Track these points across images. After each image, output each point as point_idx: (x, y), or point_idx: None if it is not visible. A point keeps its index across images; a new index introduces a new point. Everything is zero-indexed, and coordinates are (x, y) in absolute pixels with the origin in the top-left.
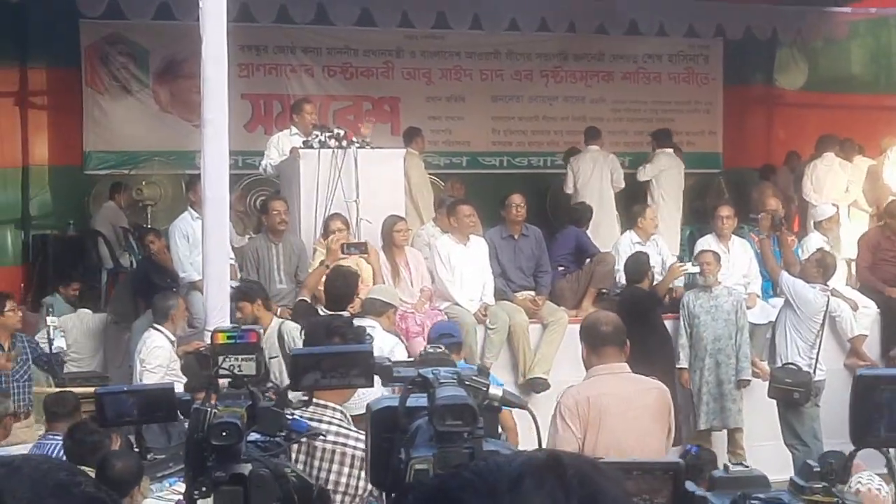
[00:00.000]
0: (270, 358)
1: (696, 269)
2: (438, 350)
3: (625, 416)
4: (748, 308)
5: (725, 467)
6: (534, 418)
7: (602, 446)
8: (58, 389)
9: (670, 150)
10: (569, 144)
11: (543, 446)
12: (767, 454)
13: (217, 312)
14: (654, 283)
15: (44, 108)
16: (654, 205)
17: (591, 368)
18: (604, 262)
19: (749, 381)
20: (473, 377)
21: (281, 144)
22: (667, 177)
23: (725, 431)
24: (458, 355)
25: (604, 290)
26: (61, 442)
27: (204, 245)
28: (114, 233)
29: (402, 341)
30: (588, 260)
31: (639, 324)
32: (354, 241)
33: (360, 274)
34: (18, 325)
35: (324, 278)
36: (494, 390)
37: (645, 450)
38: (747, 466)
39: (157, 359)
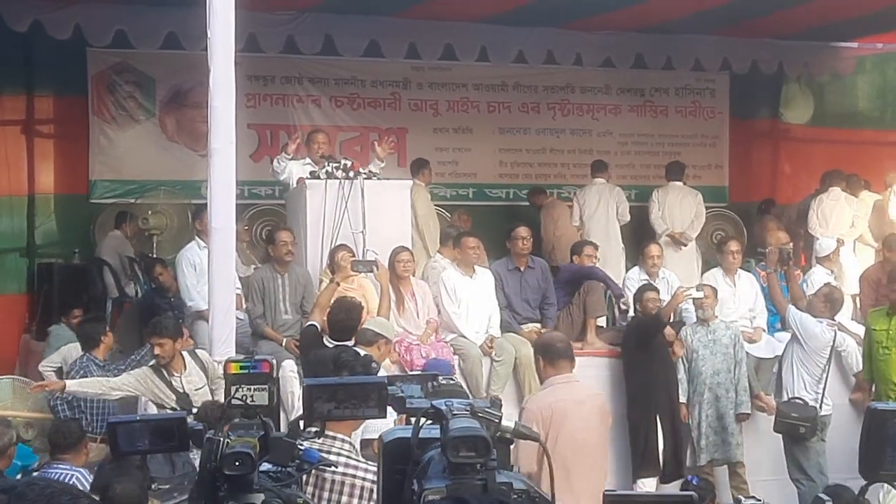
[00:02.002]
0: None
1: (700, 294)
2: (451, 382)
3: (579, 416)
4: (754, 342)
5: (738, 500)
6: (545, 450)
7: (562, 443)
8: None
9: (679, 183)
10: (575, 177)
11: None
12: (773, 489)
13: (223, 342)
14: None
15: (50, 137)
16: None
17: (547, 379)
18: (593, 291)
19: (748, 414)
20: (486, 409)
21: (293, 170)
22: (678, 209)
23: (727, 466)
24: None
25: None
26: (65, 471)
27: (210, 275)
28: (119, 262)
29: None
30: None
31: (643, 350)
32: (363, 259)
33: (364, 305)
34: None
35: (328, 311)
36: (507, 422)
37: (594, 442)
38: (759, 500)
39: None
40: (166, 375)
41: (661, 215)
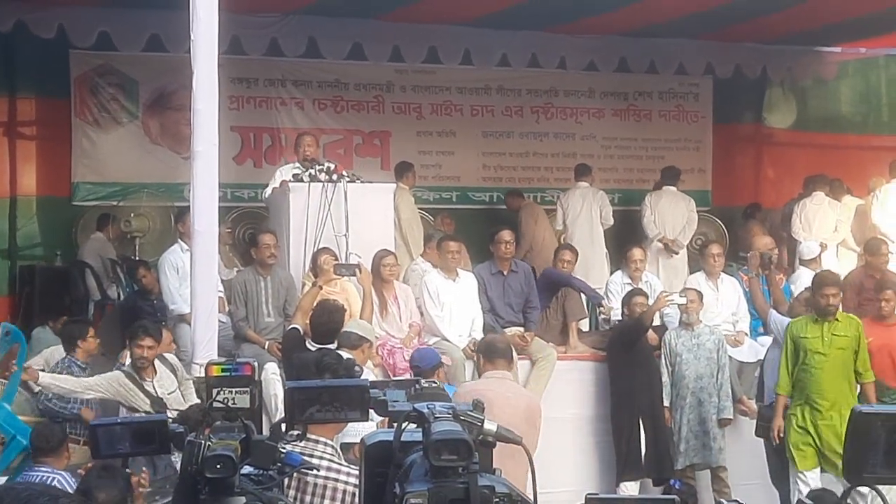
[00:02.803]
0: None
1: (683, 300)
2: (434, 385)
3: (505, 408)
4: (737, 346)
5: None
6: (528, 454)
7: None
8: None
9: (673, 188)
10: (559, 181)
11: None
12: (755, 493)
13: (205, 345)
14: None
15: (32, 139)
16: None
17: (484, 374)
18: (571, 295)
19: (731, 419)
20: (468, 412)
21: (283, 176)
22: (670, 215)
23: (709, 470)
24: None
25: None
26: (47, 474)
27: (192, 278)
28: (101, 264)
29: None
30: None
31: (625, 353)
32: (346, 263)
33: (346, 308)
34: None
35: (310, 314)
36: (489, 425)
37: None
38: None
39: None
40: (139, 379)
41: (653, 220)
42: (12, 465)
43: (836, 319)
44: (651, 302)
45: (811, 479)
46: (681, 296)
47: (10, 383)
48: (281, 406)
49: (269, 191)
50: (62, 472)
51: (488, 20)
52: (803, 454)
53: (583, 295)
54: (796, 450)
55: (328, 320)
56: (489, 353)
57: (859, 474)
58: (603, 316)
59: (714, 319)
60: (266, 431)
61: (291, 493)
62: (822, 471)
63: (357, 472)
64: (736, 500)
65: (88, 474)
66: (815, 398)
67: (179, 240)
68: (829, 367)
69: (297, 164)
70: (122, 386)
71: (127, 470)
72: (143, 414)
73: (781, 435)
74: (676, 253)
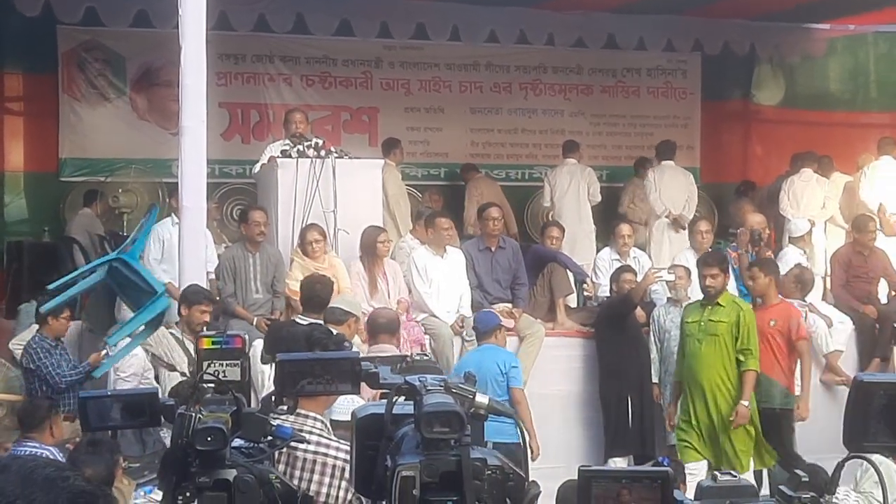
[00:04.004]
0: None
1: (671, 277)
2: (425, 357)
3: None
4: None
5: (714, 477)
6: (519, 427)
7: None
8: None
9: (671, 163)
10: (547, 157)
11: None
12: None
13: None
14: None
15: (20, 115)
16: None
17: (370, 349)
18: (557, 271)
19: None
20: (460, 385)
21: (272, 152)
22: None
23: None
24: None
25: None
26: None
27: (180, 253)
28: (89, 240)
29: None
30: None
31: (613, 329)
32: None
33: (334, 282)
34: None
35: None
36: (481, 398)
37: None
38: (735, 476)
39: (132, 367)
40: (180, 336)
41: (659, 196)
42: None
43: (719, 304)
44: (639, 279)
45: (695, 470)
46: (669, 272)
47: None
48: (269, 383)
49: (258, 167)
50: (50, 448)
51: None
52: (685, 445)
53: (569, 271)
54: (678, 440)
55: (321, 288)
56: (372, 330)
57: (859, 443)
58: (587, 293)
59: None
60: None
61: (281, 467)
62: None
63: (347, 448)
64: (730, 472)
65: (76, 449)
66: (691, 386)
67: (173, 214)
68: (702, 353)
69: (286, 141)
70: (166, 339)
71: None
72: (179, 374)
73: (673, 423)
74: (684, 228)
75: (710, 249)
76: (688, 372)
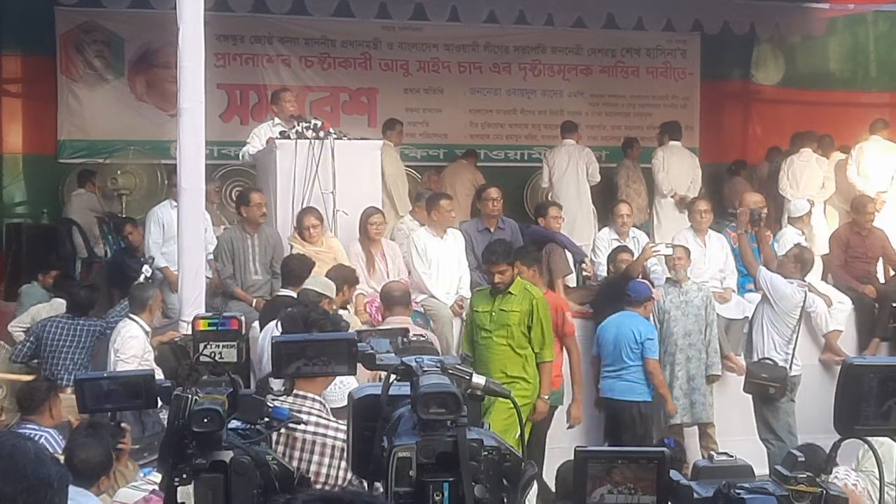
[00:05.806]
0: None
1: (669, 251)
2: (422, 339)
3: None
4: (724, 303)
5: (710, 457)
6: (516, 407)
7: None
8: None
9: (678, 143)
10: (546, 138)
11: None
12: (742, 449)
13: (191, 303)
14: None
15: (18, 96)
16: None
17: (385, 321)
18: (555, 251)
19: (719, 376)
20: (457, 366)
21: (263, 134)
22: (680, 170)
23: (696, 427)
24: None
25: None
26: (34, 431)
27: (179, 236)
28: (88, 222)
29: None
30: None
31: (612, 306)
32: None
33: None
34: None
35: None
36: (477, 379)
37: None
38: (732, 456)
39: (132, 349)
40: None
41: (666, 176)
42: None
43: (511, 293)
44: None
45: None
46: (667, 247)
47: None
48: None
49: (247, 149)
50: (49, 430)
51: None
52: None
53: (567, 252)
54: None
55: (298, 263)
56: (387, 302)
57: (850, 426)
58: (585, 273)
59: (702, 276)
60: (253, 387)
61: (280, 448)
62: None
63: (345, 428)
64: (726, 452)
65: (75, 432)
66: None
67: (172, 197)
68: (494, 344)
69: (279, 122)
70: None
71: (122, 424)
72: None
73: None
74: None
75: (710, 229)
76: (482, 363)
